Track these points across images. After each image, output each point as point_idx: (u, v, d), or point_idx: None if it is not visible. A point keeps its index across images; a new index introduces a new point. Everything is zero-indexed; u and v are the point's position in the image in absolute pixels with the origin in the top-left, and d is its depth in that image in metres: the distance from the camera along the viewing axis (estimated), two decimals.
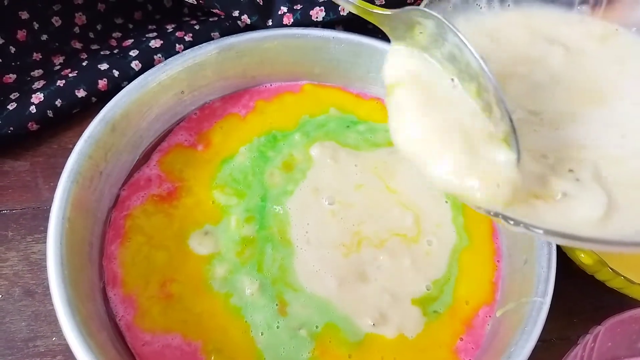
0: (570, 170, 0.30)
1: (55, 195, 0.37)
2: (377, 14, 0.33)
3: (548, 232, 0.27)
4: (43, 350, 0.40)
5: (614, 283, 0.39)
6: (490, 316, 0.39)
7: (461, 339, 0.38)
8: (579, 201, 0.29)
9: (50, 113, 0.47)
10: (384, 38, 0.47)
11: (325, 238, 0.41)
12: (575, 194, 0.29)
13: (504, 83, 0.34)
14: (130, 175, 0.43)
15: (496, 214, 0.28)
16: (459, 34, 0.29)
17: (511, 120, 0.28)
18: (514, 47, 0.35)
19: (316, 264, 0.40)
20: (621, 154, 0.31)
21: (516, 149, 0.29)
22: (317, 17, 0.49)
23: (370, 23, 0.54)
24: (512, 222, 0.28)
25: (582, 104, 0.33)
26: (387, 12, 0.33)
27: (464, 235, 0.42)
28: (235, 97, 0.47)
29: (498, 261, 0.41)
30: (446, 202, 0.43)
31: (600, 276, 0.40)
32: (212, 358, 0.36)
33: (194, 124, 0.45)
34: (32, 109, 0.47)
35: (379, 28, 0.55)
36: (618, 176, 0.30)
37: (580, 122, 0.32)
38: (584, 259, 0.39)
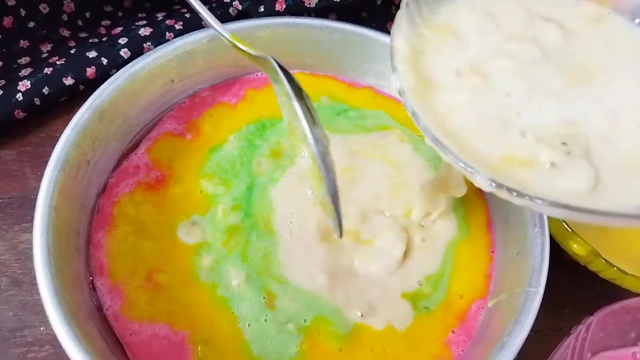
0: (564, 144, 0.30)
1: (41, 184, 0.37)
2: (245, 52, 0.35)
3: (553, 204, 0.27)
4: (30, 340, 0.39)
5: (608, 274, 0.39)
6: (483, 308, 0.39)
7: (453, 332, 0.38)
8: (567, 173, 0.30)
9: (37, 101, 0.47)
10: (378, 28, 0.47)
11: (308, 229, 0.40)
12: (564, 166, 0.30)
13: (497, 59, 0.34)
14: (118, 163, 0.42)
15: (500, 186, 0.28)
16: (299, 110, 0.32)
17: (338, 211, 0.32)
18: (509, 24, 0.36)
19: (300, 255, 0.39)
20: (610, 135, 0.31)
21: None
22: (310, 3, 0.49)
23: (364, 10, 0.54)
24: (515, 194, 0.28)
25: (574, 83, 0.33)
26: (251, 51, 0.34)
27: (463, 225, 0.42)
28: (226, 86, 0.46)
29: (492, 252, 0.41)
30: None
31: (593, 267, 0.40)
32: (199, 349, 0.35)
33: (183, 112, 0.45)
34: (19, 96, 0.46)
35: (372, 16, 0.55)
36: (606, 155, 0.30)
37: (571, 101, 0.32)
38: (577, 250, 0.39)
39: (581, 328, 0.35)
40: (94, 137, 0.40)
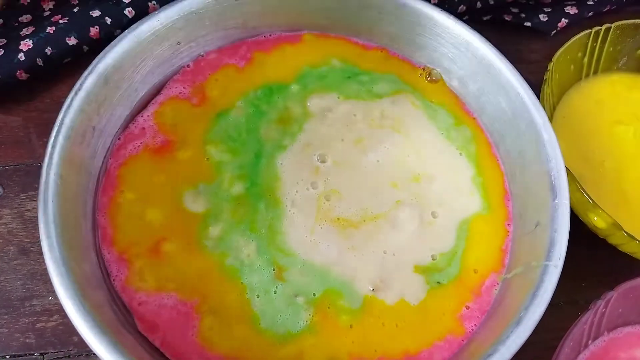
0: None
1: (46, 151, 0.36)
2: None
3: None
4: (39, 310, 0.39)
5: (628, 247, 0.38)
6: (498, 283, 0.38)
7: (467, 307, 0.37)
8: None
9: (40, 62, 0.45)
10: None
11: (314, 200, 0.39)
12: None
13: None
14: (124, 127, 0.41)
15: None
16: None
17: None
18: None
19: (306, 227, 0.38)
20: None
21: None
22: None
23: None
24: None
25: None
26: None
27: (479, 198, 0.40)
28: (232, 48, 0.44)
29: (509, 225, 0.40)
30: (460, 154, 0.42)
31: (613, 240, 0.39)
32: (207, 318, 0.35)
33: (188, 76, 0.43)
34: (21, 56, 0.45)
35: None
36: None
37: None
38: (597, 222, 0.38)
39: (600, 303, 0.34)
40: (99, 102, 0.39)
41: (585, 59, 0.47)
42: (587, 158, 0.44)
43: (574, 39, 0.45)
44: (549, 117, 0.39)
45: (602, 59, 0.48)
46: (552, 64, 0.43)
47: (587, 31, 0.46)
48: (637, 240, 0.36)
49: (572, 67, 0.47)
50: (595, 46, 0.47)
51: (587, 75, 0.48)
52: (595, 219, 0.38)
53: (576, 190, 0.38)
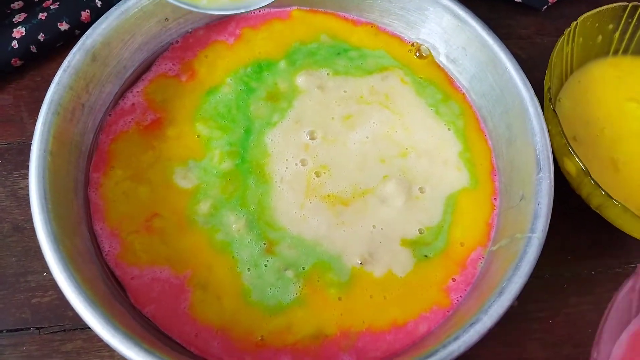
0: None
1: (35, 128, 0.36)
2: None
3: None
4: (34, 286, 0.40)
5: (594, 198, 0.38)
6: (483, 255, 0.38)
7: (453, 280, 0.37)
8: None
9: (33, 48, 0.45)
10: None
11: (303, 175, 0.40)
12: None
13: None
14: (114, 104, 0.41)
15: None
16: None
17: None
18: None
19: (295, 203, 0.39)
20: None
21: None
22: None
23: None
24: None
25: None
26: None
27: (467, 173, 0.41)
28: (220, 24, 0.44)
29: (495, 199, 0.40)
30: (449, 130, 0.42)
31: (582, 188, 0.39)
32: (199, 291, 0.36)
33: (177, 53, 0.43)
34: (15, 44, 0.45)
35: None
36: None
37: None
38: (568, 166, 0.38)
39: None
40: (88, 79, 0.39)
41: (617, 34, 0.45)
42: (589, 122, 0.44)
43: (606, 6, 0.42)
44: (562, 78, 0.38)
45: (635, 38, 0.45)
46: (576, 22, 0.42)
47: (624, 3, 0.43)
48: (603, 190, 0.36)
49: (600, 37, 0.45)
50: (631, 22, 0.44)
51: (616, 52, 0.46)
52: (564, 159, 0.38)
53: (557, 134, 0.38)
